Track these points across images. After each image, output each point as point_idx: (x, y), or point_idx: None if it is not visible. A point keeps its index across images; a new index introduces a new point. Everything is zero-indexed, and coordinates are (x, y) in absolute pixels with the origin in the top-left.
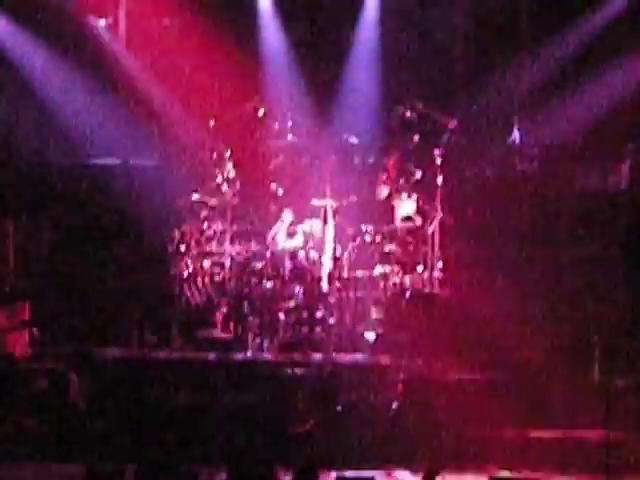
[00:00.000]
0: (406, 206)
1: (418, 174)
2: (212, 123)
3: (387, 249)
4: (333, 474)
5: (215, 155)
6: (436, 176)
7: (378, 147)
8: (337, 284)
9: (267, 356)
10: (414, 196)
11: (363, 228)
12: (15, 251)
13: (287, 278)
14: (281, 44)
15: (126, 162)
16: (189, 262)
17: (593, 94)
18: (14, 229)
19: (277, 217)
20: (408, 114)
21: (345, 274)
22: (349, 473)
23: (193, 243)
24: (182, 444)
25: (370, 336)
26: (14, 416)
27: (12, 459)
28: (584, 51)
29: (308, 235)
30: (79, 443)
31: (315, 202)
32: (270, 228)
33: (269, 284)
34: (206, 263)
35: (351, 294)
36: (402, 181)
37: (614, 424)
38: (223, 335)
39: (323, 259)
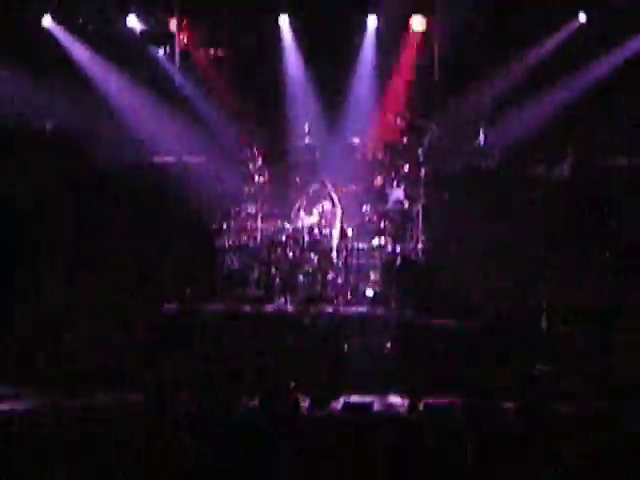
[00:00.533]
0: (396, 192)
1: (406, 168)
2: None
3: (382, 226)
4: (341, 399)
5: (249, 153)
6: (420, 169)
7: (375, 147)
8: (344, 253)
9: (289, 309)
10: (403, 185)
11: (363, 209)
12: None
13: (305, 248)
14: (300, 68)
15: (180, 159)
16: (229, 236)
17: (541, 106)
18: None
19: (298, 202)
20: (399, 121)
21: (350, 245)
22: (353, 398)
23: (232, 222)
24: (226, 377)
25: (369, 293)
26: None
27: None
28: (534, 74)
29: (321, 215)
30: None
31: (327, 188)
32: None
33: (291, 253)
34: (243, 237)
35: (354, 260)
36: (393, 173)
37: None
38: (255, 292)
39: (333, 233)
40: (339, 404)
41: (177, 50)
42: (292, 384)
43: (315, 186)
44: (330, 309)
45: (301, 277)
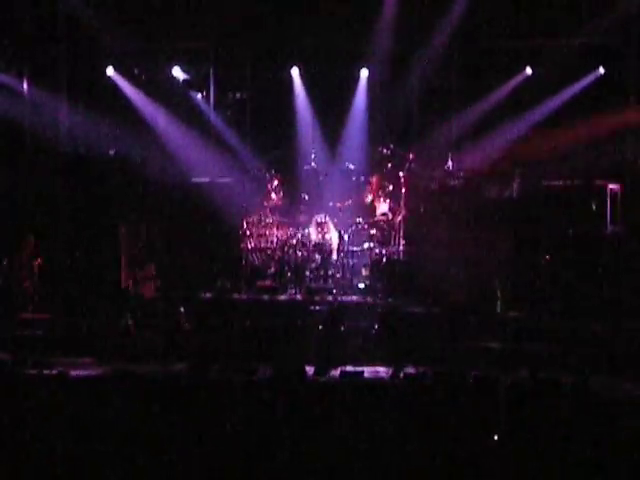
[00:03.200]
0: (382, 206)
1: (390, 187)
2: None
3: (371, 232)
4: (339, 368)
5: (267, 175)
6: (401, 189)
7: (366, 171)
8: (342, 254)
9: (299, 297)
10: (387, 200)
11: (357, 220)
12: (146, 234)
13: (311, 250)
14: (308, 108)
15: (214, 180)
16: (252, 240)
17: (496, 139)
18: (145, 219)
19: (305, 214)
20: (384, 151)
21: (346, 248)
22: (349, 368)
23: (254, 229)
24: (249, 349)
25: (361, 285)
26: (142, 333)
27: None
28: (491, 114)
29: (324, 224)
30: (183, 350)
31: (328, 203)
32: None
33: (300, 253)
34: (262, 241)
35: (350, 260)
36: (380, 191)
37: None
38: (272, 284)
39: (333, 238)
40: (337, 372)
41: (212, 93)
42: None
43: (319, 201)
44: (331, 298)
45: (308, 272)
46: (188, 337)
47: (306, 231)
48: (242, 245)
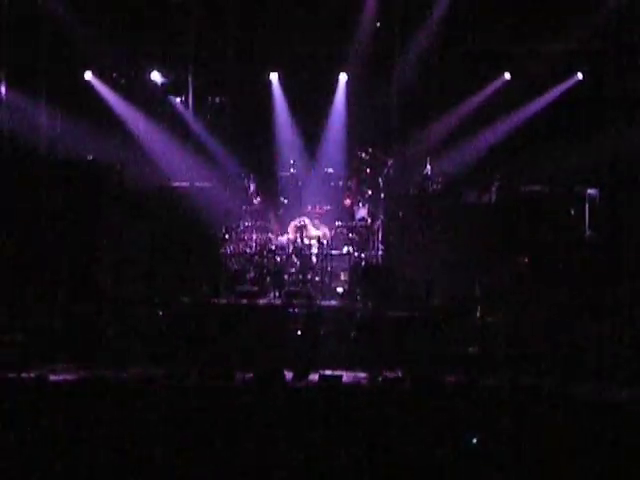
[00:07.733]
0: (361, 211)
1: (369, 192)
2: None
3: (350, 237)
4: (318, 373)
5: (247, 180)
6: (380, 193)
7: (345, 175)
8: (321, 258)
9: (278, 302)
10: (366, 205)
11: (336, 224)
12: (127, 236)
13: (289, 254)
14: (286, 113)
15: (193, 184)
16: (231, 245)
17: (475, 144)
18: (124, 223)
19: (284, 218)
20: (363, 155)
21: (325, 252)
22: (327, 372)
23: (233, 233)
24: (226, 354)
25: (339, 290)
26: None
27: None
28: (469, 119)
29: (303, 228)
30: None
31: (307, 208)
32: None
33: (279, 258)
34: (241, 245)
35: (329, 264)
36: (359, 196)
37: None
38: (251, 289)
39: (312, 243)
40: (316, 376)
41: (190, 97)
42: None
43: (298, 206)
44: (310, 302)
45: (287, 277)
46: (167, 342)
47: (285, 235)
48: (221, 250)
